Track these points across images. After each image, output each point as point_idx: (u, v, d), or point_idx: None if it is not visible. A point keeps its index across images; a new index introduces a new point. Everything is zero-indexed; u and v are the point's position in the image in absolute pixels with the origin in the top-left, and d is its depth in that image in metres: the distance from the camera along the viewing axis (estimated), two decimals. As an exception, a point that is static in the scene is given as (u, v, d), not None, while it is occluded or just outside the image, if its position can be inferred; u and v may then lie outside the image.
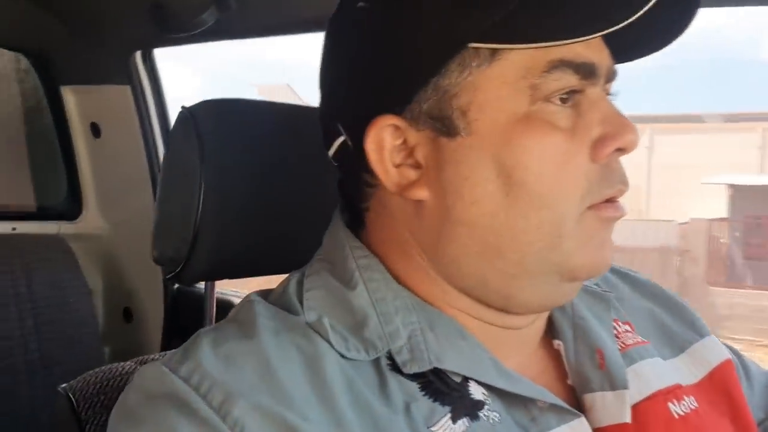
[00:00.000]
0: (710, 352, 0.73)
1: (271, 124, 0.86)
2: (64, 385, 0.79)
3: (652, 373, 0.66)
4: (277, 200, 0.83)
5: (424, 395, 0.55)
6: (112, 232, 1.85)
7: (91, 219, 1.85)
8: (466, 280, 0.58)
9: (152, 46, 1.64)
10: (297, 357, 0.53)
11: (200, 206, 0.80)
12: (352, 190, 0.63)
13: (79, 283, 1.67)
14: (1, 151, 1.89)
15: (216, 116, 0.84)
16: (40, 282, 1.60)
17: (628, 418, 0.59)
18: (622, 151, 0.57)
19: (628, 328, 0.70)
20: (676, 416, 0.63)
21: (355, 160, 0.60)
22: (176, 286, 1.78)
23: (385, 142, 0.57)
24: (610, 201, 0.57)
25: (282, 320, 0.57)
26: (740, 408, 0.69)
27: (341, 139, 0.61)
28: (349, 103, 0.61)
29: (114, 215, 1.84)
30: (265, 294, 0.62)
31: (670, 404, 0.64)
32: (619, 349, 0.65)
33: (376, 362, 0.56)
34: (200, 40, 1.49)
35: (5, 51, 1.87)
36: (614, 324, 0.69)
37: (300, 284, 0.60)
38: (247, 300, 0.60)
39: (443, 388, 0.56)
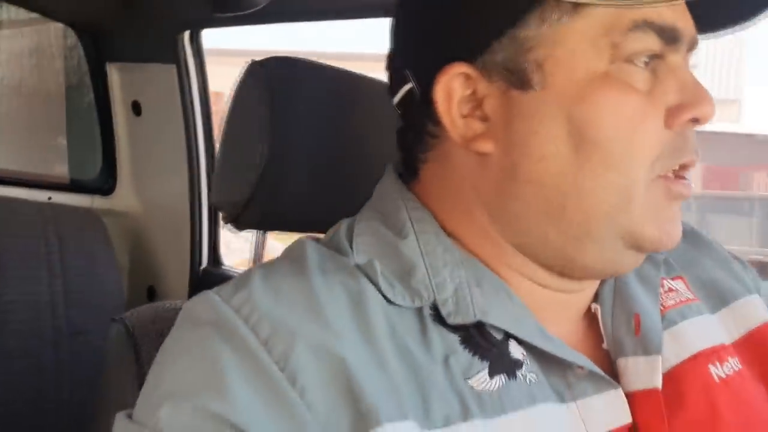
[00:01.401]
0: (753, 311, 0.71)
1: (336, 86, 0.88)
2: (119, 316, 0.81)
3: (695, 334, 0.65)
4: (337, 160, 0.85)
5: (464, 348, 0.55)
6: (143, 211, 1.86)
7: (124, 196, 1.87)
8: (527, 238, 0.58)
9: (201, 27, 1.66)
10: (344, 296, 0.54)
11: (265, 154, 0.82)
12: (414, 140, 0.63)
13: (109, 257, 1.68)
14: (42, 124, 1.93)
15: (287, 70, 0.86)
16: (71, 251, 1.61)
17: (658, 383, 0.59)
18: (696, 121, 0.56)
19: (677, 284, 0.70)
20: (716, 379, 0.63)
21: (420, 108, 0.60)
22: (202, 267, 1.80)
23: (454, 91, 0.57)
24: (681, 176, 0.57)
25: (331, 260, 0.57)
26: None
27: (408, 86, 0.61)
28: (420, 48, 0.61)
29: (147, 194, 1.85)
30: (315, 238, 0.63)
31: (711, 366, 0.63)
32: (660, 311, 0.65)
33: (419, 311, 0.56)
34: (251, 22, 1.52)
35: (54, 27, 1.91)
36: (660, 284, 0.68)
37: (350, 229, 0.61)
38: (299, 240, 0.61)
39: (483, 343, 0.56)
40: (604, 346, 0.63)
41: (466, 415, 0.51)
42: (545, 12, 0.54)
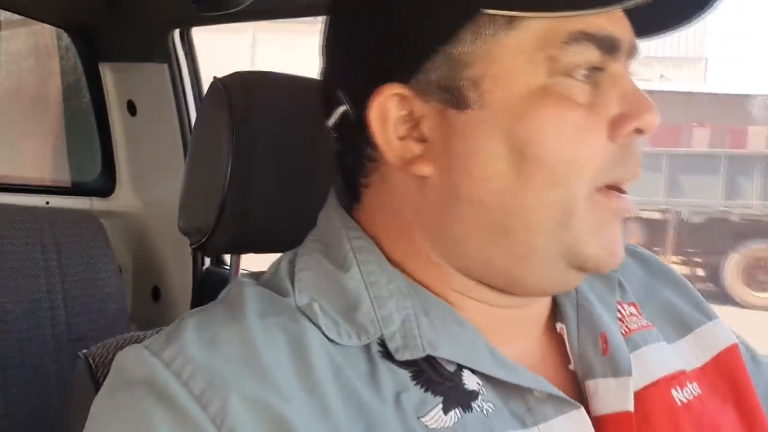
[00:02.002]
0: (717, 336, 0.70)
1: (302, 98, 0.85)
2: (84, 351, 0.79)
3: (657, 359, 0.63)
4: (305, 174, 0.82)
5: (415, 384, 0.53)
6: (144, 210, 1.86)
7: (124, 196, 1.86)
8: (470, 261, 0.56)
9: (190, 25, 1.64)
10: (283, 342, 0.51)
11: (228, 176, 0.79)
12: (353, 165, 0.60)
13: (109, 259, 1.67)
14: (40, 126, 1.92)
15: (247, 88, 0.83)
16: (70, 256, 1.61)
17: (630, 406, 0.57)
18: (640, 132, 0.54)
19: (633, 310, 0.68)
20: (679, 403, 0.61)
21: (356, 131, 0.57)
22: (205, 266, 1.79)
23: (389, 112, 0.55)
24: (620, 190, 0.55)
25: (270, 303, 0.55)
26: (746, 394, 0.67)
27: (342, 108, 0.58)
28: (352, 69, 0.58)
29: (147, 194, 1.84)
30: (256, 276, 0.60)
31: (673, 391, 0.62)
32: (623, 334, 0.63)
33: (367, 349, 0.54)
34: (238, 19, 1.49)
35: (48, 27, 1.89)
36: (619, 306, 0.66)
37: (292, 265, 0.58)
38: (238, 281, 0.58)
39: (435, 377, 0.53)
40: (571, 367, 0.61)
41: None
42: (478, 28, 0.52)
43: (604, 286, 0.66)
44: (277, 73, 0.88)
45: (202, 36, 1.70)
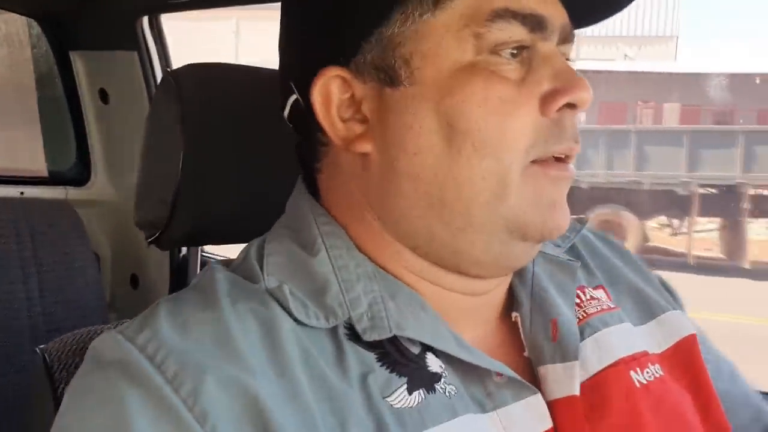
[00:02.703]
0: (678, 324, 0.72)
1: (256, 88, 0.85)
2: (42, 346, 0.79)
3: (618, 341, 0.65)
4: (260, 165, 0.83)
5: (381, 366, 0.54)
6: (120, 199, 1.85)
7: (100, 185, 1.86)
8: (415, 236, 0.58)
9: (159, 12, 1.63)
10: (255, 325, 0.53)
11: (180, 170, 0.79)
12: (307, 152, 0.63)
13: (85, 249, 1.67)
14: (14, 116, 1.90)
15: (198, 80, 0.83)
16: (46, 246, 1.60)
17: (576, 391, 0.59)
18: (573, 108, 0.56)
19: (599, 293, 0.70)
20: (638, 384, 0.63)
21: (306, 118, 0.60)
22: (182, 253, 1.79)
23: (332, 94, 0.58)
24: (559, 160, 0.57)
25: (241, 288, 0.56)
26: (702, 383, 0.69)
27: (293, 97, 0.61)
28: (297, 57, 0.61)
29: (122, 181, 1.84)
30: (227, 262, 0.62)
31: (632, 372, 0.63)
32: (580, 319, 0.65)
33: (334, 331, 0.55)
34: (207, 5, 1.48)
35: (19, 17, 1.87)
36: (579, 292, 0.68)
37: (260, 250, 0.60)
38: (208, 268, 0.60)
39: (400, 358, 0.55)
40: (525, 353, 0.63)
41: None
42: (407, 9, 0.55)
43: (565, 274, 0.68)
44: (232, 65, 0.88)
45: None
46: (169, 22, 1.62)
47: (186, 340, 0.51)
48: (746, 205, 8.08)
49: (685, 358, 0.69)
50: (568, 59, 0.59)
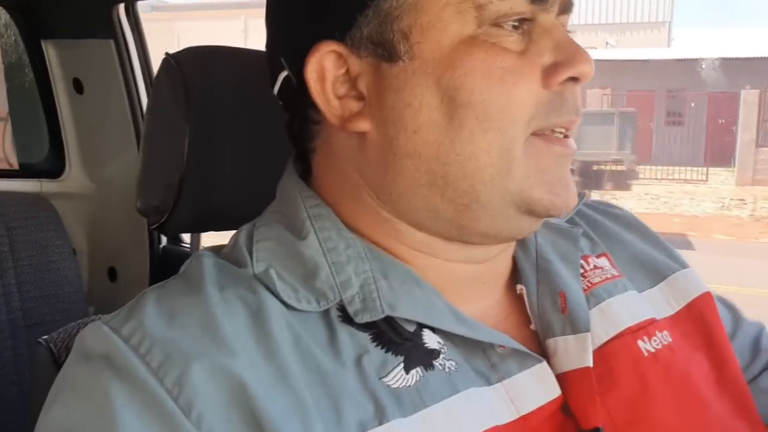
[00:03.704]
0: (689, 283, 0.71)
1: (257, 71, 0.83)
2: (45, 337, 0.77)
3: (623, 310, 0.65)
4: (266, 150, 0.81)
5: (376, 346, 0.53)
6: (96, 191, 1.82)
7: (75, 177, 1.82)
8: (418, 214, 0.57)
9: (135, -1, 1.59)
10: (242, 311, 0.52)
11: (186, 154, 0.78)
12: (299, 132, 0.61)
13: (62, 242, 1.63)
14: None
15: (201, 63, 0.81)
16: (21, 241, 1.57)
17: (589, 362, 0.58)
18: (575, 80, 0.55)
19: (603, 261, 0.69)
20: (645, 353, 0.62)
21: (298, 96, 0.58)
22: (162, 245, 1.76)
23: (326, 71, 0.56)
24: (560, 134, 0.56)
25: (228, 274, 0.55)
26: (718, 341, 0.69)
27: (284, 74, 0.59)
28: (289, 31, 0.59)
29: (98, 173, 1.80)
30: (216, 249, 0.61)
31: (639, 342, 0.63)
32: (585, 289, 0.64)
33: (326, 314, 0.54)
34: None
35: (-16, 5, 1.82)
36: (583, 262, 0.67)
37: (250, 236, 0.59)
38: (196, 255, 0.59)
39: (395, 337, 0.54)
40: (532, 326, 0.62)
41: (381, 418, 0.50)
42: None
43: (568, 243, 0.67)
44: (231, 47, 0.86)
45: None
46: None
47: (172, 328, 0.50)
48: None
49: (700, 318, 0.69)
50: (567, 30, 0.58)
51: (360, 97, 0.56)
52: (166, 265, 1.75)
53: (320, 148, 0.60)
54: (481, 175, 0.54)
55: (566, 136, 0.57)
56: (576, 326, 0.60)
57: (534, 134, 0.54)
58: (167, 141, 0.79)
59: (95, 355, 0.50)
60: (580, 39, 0.58)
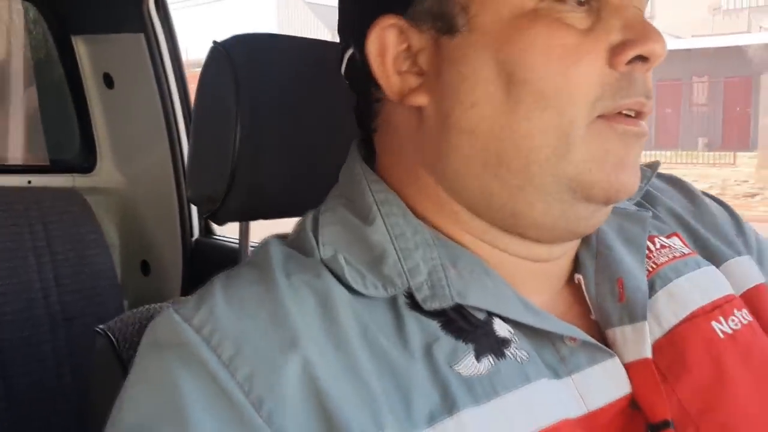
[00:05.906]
0: (744, 273, 0.67)
1: (306, 59, 0.83)
2: (101, 326, 0.78)
3: (694, 289, 0.61)
4: (315, 137, 0.81)
5: (446, 334, 0.52)
6: (127, 185, 1.82)
7: (107, 172, 1.83)
8: (472, 195, 0.55)
9: (166, -8, 1.59)
10: (310, 298, 0.51)
11: (237, 143, 0.78)
12: (363, 111, 0.61)
13: (97, 236, 1.65)
14: (13, 104, 1.86)
15: (250, 51, 0.81)
16: (57, 235, 1.58)
17: (647, 353, 0.55)
18: (645, 61, 0.53)
19: (670, 241, 0.66)
20: (721, 335, 0.59)
21: (362, 73, 0.57)
22: (194, 238, 1.77)
23: (388, 46, 0.55)
24: (628, 115, 0.53)
25: (295, 261, 0.54)
26: None
27: (350, 51, 0.59)
28: (354, 8, 0.59)
29: (130, 167, 1.81)
30: (283, 236, 0.60)
31: (714, 323, 0.59)
32: (650, 271, 0.61)
33: (393, 301, 0.53)
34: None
35: (14, 1, 1.83)
36: (649, 243, 0.64)
37: (316, 221, 0.58)
38: (264, 242, 0.58)
39: (465, 325, 0.52)
40: (592, 317, 0.60)
41: (452, 408, 0.48)
42: None
43: (634, 227, 0.64)
44: (276, 34, 0.86)
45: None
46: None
47: (242, 318, 0.50)
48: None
49: (752, 310, 0.63)
50: (642, 12, 0.55)
51: (421, 73, 0.55)
52: (199, 257, 1.76)
53: (381, 127, 0.60)
54: (536, 155, 0.52)
55: (637, 117, 0.54)
56: (633, 315, 0.57)
57: (601, 117, 0.52)
58: (218, 130, 0.79)
59: (165, 345, 0.50)
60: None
